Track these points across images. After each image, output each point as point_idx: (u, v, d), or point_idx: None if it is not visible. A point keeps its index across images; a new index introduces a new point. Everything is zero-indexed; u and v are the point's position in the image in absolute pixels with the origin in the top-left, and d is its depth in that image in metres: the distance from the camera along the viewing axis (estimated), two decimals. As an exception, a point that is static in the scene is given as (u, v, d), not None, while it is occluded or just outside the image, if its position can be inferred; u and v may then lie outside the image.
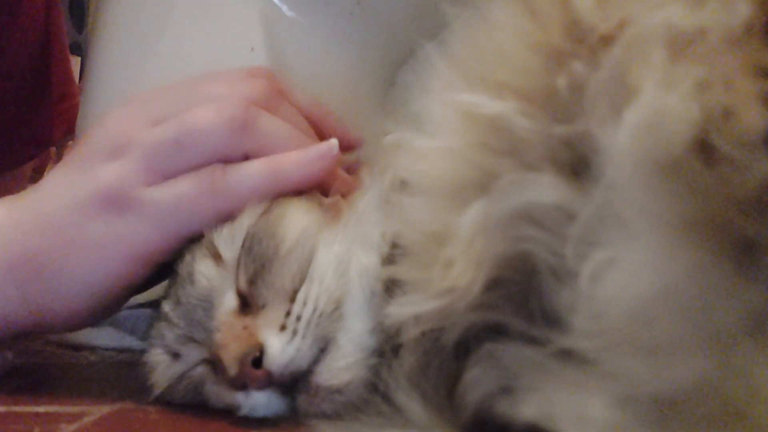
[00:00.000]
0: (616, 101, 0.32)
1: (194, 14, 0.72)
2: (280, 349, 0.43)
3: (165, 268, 0.53)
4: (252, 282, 0.46)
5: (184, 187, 0.49)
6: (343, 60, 0.72)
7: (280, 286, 0.45)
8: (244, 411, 0.44)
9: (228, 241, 0.47)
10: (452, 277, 0.37)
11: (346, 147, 0.55)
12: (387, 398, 0.41)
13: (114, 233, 0.49)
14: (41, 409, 0.48)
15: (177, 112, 0.51)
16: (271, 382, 0.43)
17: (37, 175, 1.01)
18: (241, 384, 0.44)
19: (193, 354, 0.47)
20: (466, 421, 0.39)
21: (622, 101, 0.32)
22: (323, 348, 0.44)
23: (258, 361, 0.43)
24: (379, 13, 0.72)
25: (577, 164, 0.34)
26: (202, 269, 0.47)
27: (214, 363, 0.46)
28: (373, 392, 0.43)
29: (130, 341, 0.66)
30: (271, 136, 0.51)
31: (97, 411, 0.48)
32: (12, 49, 0.88)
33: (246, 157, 0.50)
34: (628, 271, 0.32)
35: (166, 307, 0.48)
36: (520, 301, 0.37)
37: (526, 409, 0.35)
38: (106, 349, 0.69)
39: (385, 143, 0.48)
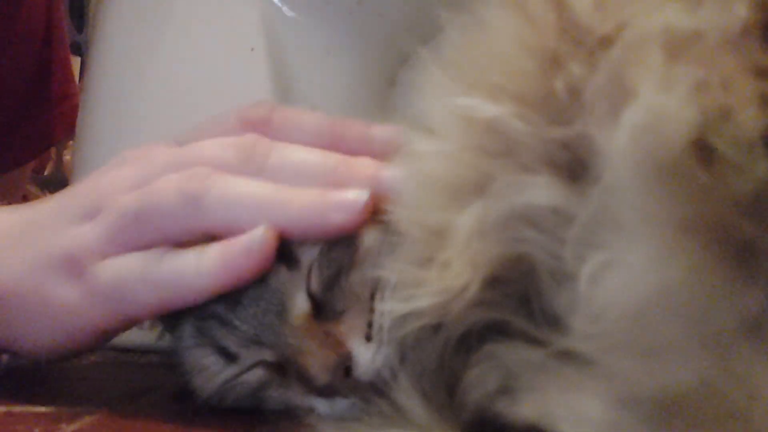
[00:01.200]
0: (614, 103, 0.32)
1: (194, 14, 0.72)
2: (370, 359, 0.43)
3: None
4: (328, 287, 0.45)
5: (124, 268, 0.46)
6: (343, 60, 0.72)
7: (358, 292, 0.45)
8: (318, 412, 0.44)
9: (302, 243, 0.46)
10: (449, 278, 0.37)
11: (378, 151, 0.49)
12: (388, 398, 0.41)
13: (66, 300, 0.47)
14: (41, 409, 0.48)
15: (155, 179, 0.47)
16: (358, 390, 0.43)
17: (36, 176, 1.02)
18: (330, 393, 0.44)
19: (252, 356, 0.46)
20: (467, 421, 0.39)
21: (620, 103, 0.32)
22: (400, 357, 0.43)
23: (347, 370, 0.43)
24: (379, 13, 0.72)
25: (575, 166, 0.34)
26: (273, 268, 0.45)
27: (281, 366, 0.45)
28: (374, 392, 0.43)
29: (131, 341, 0.66)
30: (230, 208, 0.46)
31: (97, 411, 0.48)
32: (12, 49, 0.88)
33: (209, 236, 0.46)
34: (626, 273, 0.32)
35: (217, 307, 0.46)
36: (521, 299, 0.37)
37: (526, 409, 0.35)
38: (106, 349, 0.69)
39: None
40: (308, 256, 0.46)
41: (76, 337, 0.49)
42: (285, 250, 0.46)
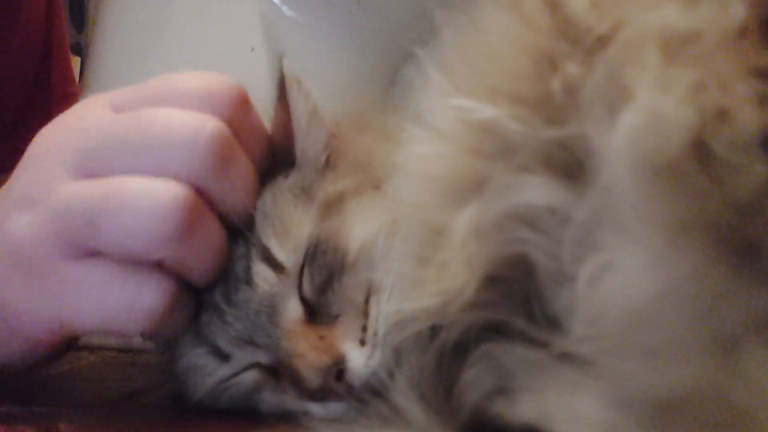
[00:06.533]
0: (611, 103, 0.32)
1: (194, 14, 0.72)
2: (363, 363, 0.43)
3: None
4: (321, 291, 0.45)
5: (107, 291, 0.42)
6: (343, 60, 0.72)
7: (352, 296, 0.45)
8: (313, 416, 0.44)
9: (285, 248, 0.46)
10: (446, 279, 0.37)
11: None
12: (385, 399, 0.41)
13: (20, 306, 0.44)
14: (41, 409, 0.48)
15: (112, 167, 0.42)
16: (350, 394, 0.43)
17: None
18: (322, 396, 0.43)
19: (245, 357, 0.46)
20: (464, 422, 0.39)
21: (617, 103, 0.32)
22: (398, 359, 0.43)
23: (339, 373, 0.43)
24: (379, 13, 0.72)
25: (572, 166, 0.34)
26: (260, 273, 0.45)
27: (275, 370, 0.45)
28: (372, 393, 0.43)
29: (131, 341, 0.67)
30: (193, 260, 0.43)
31: (96, 411, 0.48)
32: (12, 50, 0.88)
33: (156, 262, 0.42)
34: (625, 274, 0.32)
35: (217, 299, 0.46)
36: (521, 299, 0.37)
37: (523, 410, 0.35)
38: (106, 349, 0.69)
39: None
40: (292, 261, 0.46)
41: (26, 348, 0.46)
42: (267, 255, 0.46)
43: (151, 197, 0.41)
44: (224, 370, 0.47)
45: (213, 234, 0.44)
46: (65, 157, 0.44)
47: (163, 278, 0.42)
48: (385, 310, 0.44)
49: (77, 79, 1.04)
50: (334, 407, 0.44)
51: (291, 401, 0.45)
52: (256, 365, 0.46)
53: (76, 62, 1.02)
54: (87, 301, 0.42)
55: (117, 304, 0.42)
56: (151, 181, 0.42)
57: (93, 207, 0.42)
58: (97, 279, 0.42)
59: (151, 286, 0.42)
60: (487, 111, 0.36)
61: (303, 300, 0.45)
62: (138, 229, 0.41)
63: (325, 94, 0.62)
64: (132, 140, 0.43)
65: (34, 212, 0.43)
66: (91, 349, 0.69)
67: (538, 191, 0.35)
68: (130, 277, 0.42)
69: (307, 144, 0.50)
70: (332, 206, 0.47)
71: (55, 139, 0.45)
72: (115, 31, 0.75)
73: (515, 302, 0.37)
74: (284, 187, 0.48)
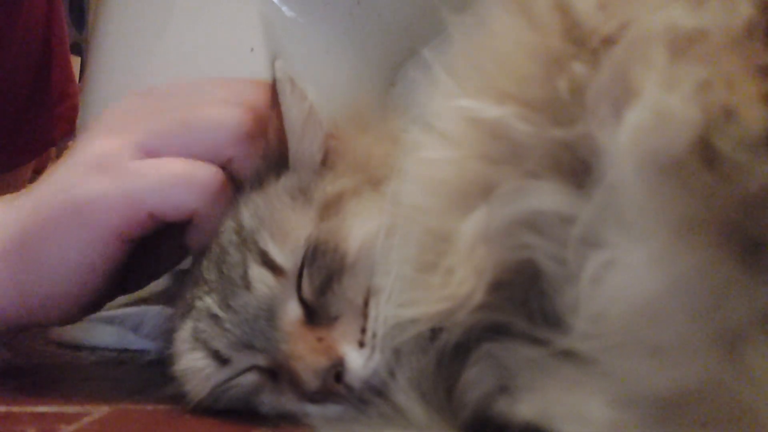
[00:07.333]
0: (617, 102, 0.32)
1: (194, 14, 0.72)
2: (362, 364, 0.43)
3: (150, 263, 0.52)
4: (320, 292, 0.45)
5: (170, 167, 0.49)
6: (343, 60, 0.72)
7: (351, 298, 0.45)
8: (311, 417, 0.44)
9: (284, 250, 0.46)
10: (453, 285, 0.37)
11: None
12: (387, 398, 0.41)
13: (95, 194, 0.49)
14: (41, 409, 0.48)
15: (184, 105, 0.51)
16: (350, 395, 0.43)
17: (36, 176, 1.02)
18: (321, 398, 0.43)
19: (244, 360, 0.46)
20: (466, 421, 0.38)
21: (624, 102, 0.32)
22: (398, 359, 0.43)
23: (338, 375, 0.43)
24: (379, 13, 0.72)
25: (578, 168, 0.34)
26: (259, 276, 0.45)
27: (274, 372, 0.45)
28: (374, 393, 0.43)
29: (131, 341, 0.67)
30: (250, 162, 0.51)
31: (97, 411, 0.48)
32: (12, 49, 0.88)
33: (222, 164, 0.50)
34: (629, 272, 0.32)
35: (214, 308, 0.46)
36: (522, 301, 0.37)
37: (525, 408, 0.35)
38: (106, 349, 0.69)
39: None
40: (291, 262, 0.45)
41: (96, 248, 0.49)
42: (265, 259, 0.46)
43: (227, 112, 0.50)
44: (223, 373, 0.46)
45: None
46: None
47: (216, 168, 0.49)
48: (384, 311, 0.44)
49: (77, 79, 1.04)
50: (332, 408, 0.43)
51: (290, 403, 0.45)
52: (255, 367, 0.46)
53: (76, 62, 1.03)
54: (151, 174, 0.49)
55: (178, 174, 0.49)
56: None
57: (181, 113, 0.51)
58: (161, 161, 0.49)
59: (208, 167, 0.49)
60: (493, 110, 0.36)
61: (302, 301, 0.45)
62: (222, 128, 0.50)
63: (324, 94, 0.62)
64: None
65: (122, 135, 0.50)
66: (91, 349, 0.69)
67: (546, 196, 0.35)
68: (190, 161, 0.49)
69: (303, 145, 0.50)
70: (331, 206, 0.47)
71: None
72: (115, 32, 0.75)
73: (516, 304, 0.37)
74: (279, 189, 0.48)
